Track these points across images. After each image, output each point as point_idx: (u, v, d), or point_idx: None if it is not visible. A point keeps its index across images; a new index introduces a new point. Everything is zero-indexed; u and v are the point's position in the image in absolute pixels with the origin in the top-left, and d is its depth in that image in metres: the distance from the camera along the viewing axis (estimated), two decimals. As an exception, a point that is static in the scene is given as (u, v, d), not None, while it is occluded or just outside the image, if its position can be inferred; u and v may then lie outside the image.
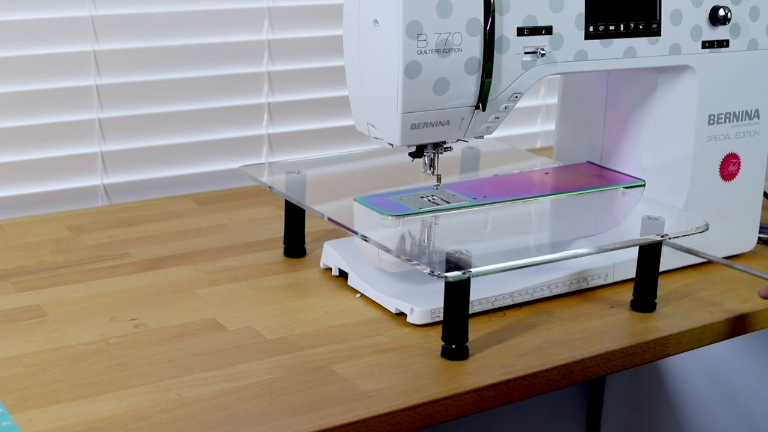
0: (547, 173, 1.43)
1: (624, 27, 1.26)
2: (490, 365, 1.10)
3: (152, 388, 1.03)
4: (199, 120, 1.65)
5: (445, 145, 1.22)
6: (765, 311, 1.28)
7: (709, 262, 1.38)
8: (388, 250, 1.15)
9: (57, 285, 1.25)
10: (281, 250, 1.38)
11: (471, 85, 1.16)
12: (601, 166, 1.43)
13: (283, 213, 1.38)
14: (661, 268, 1.25)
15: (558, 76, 1.46)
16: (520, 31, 1.18)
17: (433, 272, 1.08)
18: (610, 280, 1.31)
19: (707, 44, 1.32)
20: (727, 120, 1.36)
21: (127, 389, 1.02)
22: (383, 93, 1.14)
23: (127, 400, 1.00)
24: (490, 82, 1.17)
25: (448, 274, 1.07)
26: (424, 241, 1.22)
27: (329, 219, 1.23)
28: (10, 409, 0.98)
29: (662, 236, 1.21)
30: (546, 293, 1.25)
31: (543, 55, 1.20)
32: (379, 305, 1.23)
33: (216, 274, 1.31)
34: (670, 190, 1.36)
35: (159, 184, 1.64)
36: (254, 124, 1.70)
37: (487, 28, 1.15)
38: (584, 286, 1.29)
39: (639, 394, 1.95)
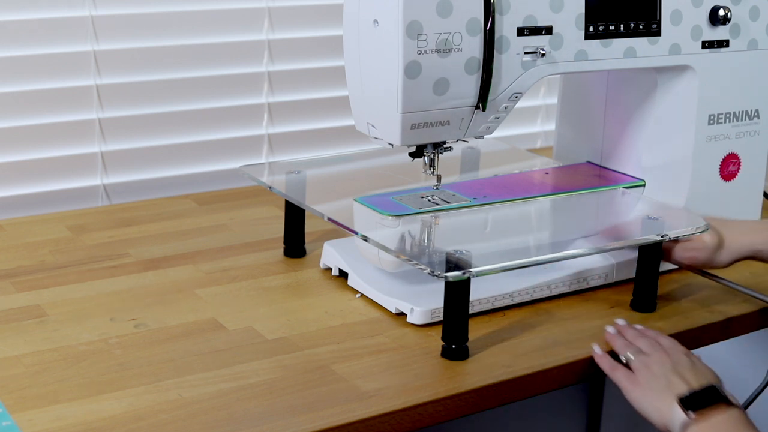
0: (547, 173, 1.43)
1: (624, 27, 1.26)
2: (490, 365, 1.10)
3: (152, 388, 1.03)
4: (199, 120, 1.65)
5: (445, 145, 1.22)
6: (764, 311, 1.28)
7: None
8: (388, 250, 1.15)
9: (57, 285, 1.25)
10: (281, 250, 1.38)
11: (471, 85, 1.16)
12: (601, 166, 1.43)
13: (283, 213, 1.38)
14: (661, 268, 1.25)
15: (558, 76, 1.46)
16: (520, 31, 1.18)
17: (433, 272, 1.08)
18: (610, 280, 1.31)
19: (707, 44, 1.32)
20: (727, 120, 1.36)
21: (127, 389, 1.02)
22: (383, 93, 1.14)
23: (127, 400, 1.00)
24: (490, 83, 1.17)
25: (448, 274, 1.07)
26: (424, 241, 1.22)
27: (329, 219, 1.23)
28: (10, 409, 0.98)
29: (662, 236, 1.21)
30: (546, 293, 1.25)
31: (543, 55, 1.20)
32: (379, 305, 1.22)
33: (216, 274, 1.30)
34: (670, 190, 1.36)
35: (159, 184, 1.64)
36: (254, 124, 1.70)
37: (487, 28, 1.15)
38: (584, 286, 1.29)
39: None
